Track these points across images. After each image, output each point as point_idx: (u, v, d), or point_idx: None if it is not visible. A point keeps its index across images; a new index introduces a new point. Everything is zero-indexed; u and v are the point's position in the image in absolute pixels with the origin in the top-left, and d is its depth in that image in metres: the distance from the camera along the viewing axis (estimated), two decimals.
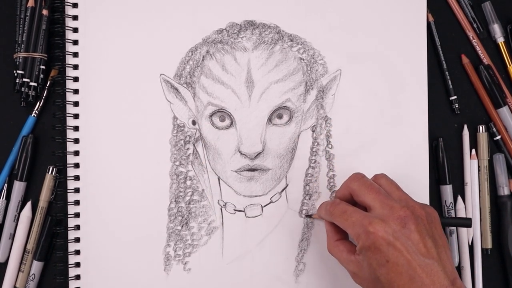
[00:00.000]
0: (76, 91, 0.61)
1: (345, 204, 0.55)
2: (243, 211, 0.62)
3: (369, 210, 0.53)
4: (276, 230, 0.62)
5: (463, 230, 0.64)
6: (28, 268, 0.62)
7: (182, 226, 0.62)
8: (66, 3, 0.61)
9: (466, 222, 0.59)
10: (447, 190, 0.64)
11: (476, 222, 0.64)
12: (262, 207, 0.62)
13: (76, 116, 0.61)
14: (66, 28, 0.61)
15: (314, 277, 0.62)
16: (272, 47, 0.62)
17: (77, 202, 0.61)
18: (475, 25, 0.66)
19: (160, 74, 0.62)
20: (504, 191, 0.65)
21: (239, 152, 0.61)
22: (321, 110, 0.63)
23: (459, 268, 0.64)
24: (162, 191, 0.61)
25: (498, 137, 0.65)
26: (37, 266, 0.61)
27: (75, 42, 0.61)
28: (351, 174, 0.57)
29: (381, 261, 0.50)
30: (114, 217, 0.61)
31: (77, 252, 0.61)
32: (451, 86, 0.65)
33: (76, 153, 0.61)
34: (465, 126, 0.65)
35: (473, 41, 0.65)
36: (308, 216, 0.62)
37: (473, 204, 0.64)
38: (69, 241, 0.61)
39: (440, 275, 0.49)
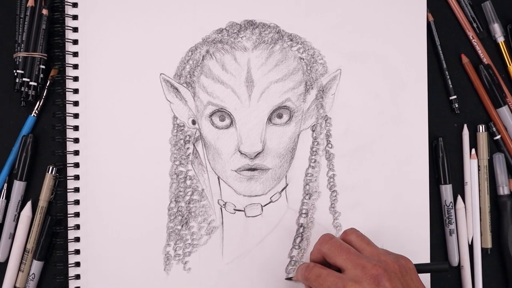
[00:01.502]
0: (76, 91, 0.61)
1: (319, 267, 0.55)
2: (243, 210, 0.62)
3: (342, 271, 0.53)
4: (276, 229, 0.62)
5: (463, 230, 0.64)
6: (28, 268, 0.62)
7: (182, 226, 0.62)
8: (66, 3, 0.62)
9: (443, 267, 0.58)
10: (447, 190, 0.64)
11: (476, 222, 0.64)
12: (262, 206, 0.62)
13: (76, 115, 0.61)
14: (66, 27, 0.61)
15: None
16: (272, 47, 0.62)
17: (77, 202, 0.61)
18: (475, 25, 0.66)
19: (160, 74, 0.62)
20: (504, 190, 0.65)
21: (239, 151, 0.61)
22: (321, 109, 0.63)
23: (459, 268, 0.64)
24: (162, 191, 0.61)
25: (498, 136, 0.65)
26: (37, 265, 0.61)
27: (75, 42, 0.61)
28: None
29: None
30: (114, 217, 0.61)
31: (77, 251, 0.61)
32: (451, 86, 0.65)
33: (76, 152, 0.61)
34: (465, 126, 0.65)
35: (473, 40, 0.65)
36: (288, 279, 0.62)
37: (473, 203, 0.64)
38: (69, 240, 0.61)
39: None
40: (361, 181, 0.63)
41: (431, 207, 0.63)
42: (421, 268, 0.57)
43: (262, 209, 0.62)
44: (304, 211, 0.62)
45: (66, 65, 0.61)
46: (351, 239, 0.57)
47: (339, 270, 0.54)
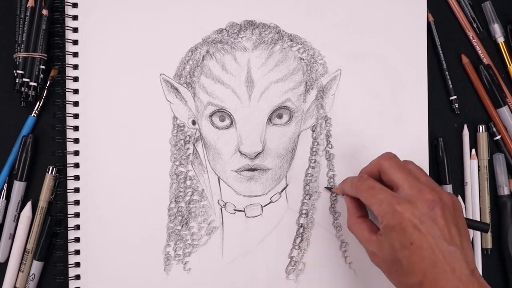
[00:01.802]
0: (76, 91, 0.61)
1: (373, 181, 0.54)
2: (243, 211, 0.62)
3: (397, 189, 0.52)
4: (276, 230, 0.62)
5: None
6: (28, 268, 0.62)
7: (182, 226, 0.62)
8: (66, 3, 0.61)
9: (484, 227, 0.58)
10: (447, 190, 0.64)
11: None
12: (262, 207, 0.62)
13: (76, 116, 0.61)
14: (66, 28, 0.61)
15: (314, 277, 0.62)
16: (272, 47, 0.62)
17: (77, 202, 0.61)
18: (475, 25, 0.66)
19: (160, 74, 0.62)
20: (504, 191, 0.65)
21: (239, 152, 0.61)
22: (321, 110, 0.63)
23: None
24: (162, 191, 0.61)
25: (498, 137, 0.65)
26: (37, 266, 0.61)
27: (75, 42, 0.61)
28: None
29: (404, 243, 0.49)
30: (114, 217, 0.61)
31: (77, 252, 0.61)
32: (451, 86, 0.65)
33: (76, 153, 0.61)
34: (465, 126, 0.65)
35: (473, 41, 0.65)
36: (328, 188, 0.61)
37: (473, 204, 0.64)
38: (69, 241, 0.61)
39: (461, 264, 0.48)
40: None
41: None
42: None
43: (262, 209, 0.62)
44: (304, 211, 0.62)
45: (66, 65, 0.61)
46: (409, 167, 0.55)
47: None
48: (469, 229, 0.53)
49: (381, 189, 0.53)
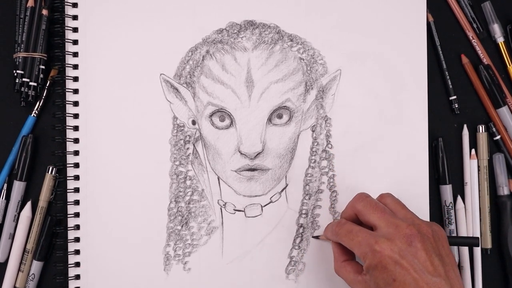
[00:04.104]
0: (76, 91, 0.61)
1: (351, 224, 0.55)
2: (243, 211, 0.62)
3: (375, 229, 0.53)
4: (276, 230, 0.62)
5: (463, 229, 0.64)
6: (28, 268, 0.62)
7: (182, 226, 0.62)
8: (66, 3, 0.61)
9: (474, 241, 0.58)
10: (447, 190, 0.64)
11: (476, 222, 0.64)
12: (262, 207, 0.62)
13: (76, 116, 0.61)
14: (66, 28, 0.61)
15: (314, 277, 0.62)
16: (272, 47, 0.62)
17: (77, 202, 0.61)
18: (475, 25, 0.66)
19: (160, 74, 0.62)
20: (504, 191, 0.65)
21: (239, 152, 0.61)
22: (321, 110, 0.63)
23: (459, 268, 0.64)
24: (162, 191, 0.61)
25: (498, 137, 0.65)
26: (37, 266, 0.61)
27: (75, 42, 0.61)
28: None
29: (388, 280, 0.50)
30: (114, 217, 0.61)
31: (77, 252, 0.61)
32: (451, 86, 0.65)
33: (76, 153, 0.61)
34: (465, 126, 0.65)
35: (473, 41, 0.65)
36: (315, 237, 0.62)
37: (472, 204, 0.64)
38: (69, 241, 0.61)
39: None
40: (361, 181, 0.63)
41: (431, 207, 0.63)
42: (452, 241, 0.57)
43: (262, 209, 0.62)
44: (304, 212, 0.62)
45: (66, 65, 0.61)
46: (386, 202, 0.56)
47: (370, 229, 0.54)
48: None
49: (359, 231, 0.53)
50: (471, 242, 0.59)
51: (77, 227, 0.61)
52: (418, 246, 0.50)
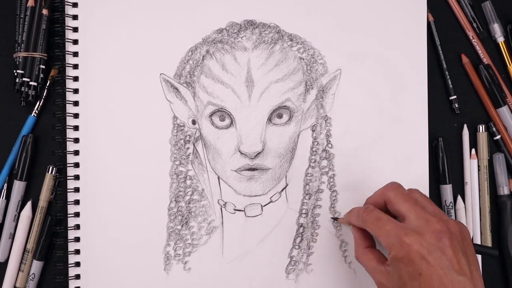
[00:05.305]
0: (76, 91, 0.61)
1: (379, 212, 0.54)
2: (243, 210, 0.62)
3: (403, 220, 0.52)
4: (276, 229, 0.62)
5: None
6: (28, 268, 0.62)
7: (182, 226, 0.62)
8: (66, 3, 0.62)
9: (492, 252, 0.57)
10: (447, 190, 0.64)
11: (476, 222, 0.64)
12: (262, 206, 0.62)
13: (76, 115, 0.61)
14: (66, 27, 0.61)
15: (314, 277, 0.62)
16: (272, 47, 0.62)
17: (77, 202, 0.61)
18: (475, 25, 0.66)
19: (160, 74, 0.62)
20: (504, 190, 0.65)
21: (239, 151, 0.61)
22: (321, 109, 0.63)
23: None
24: (162, 191, 0.61)
25: (498, 136, 0.65)
26: (37, 265, 0.61)
27: (75, 42, 0.61)
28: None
29: (413, 274, 0.49)
30: (114, 217, 0.61)
31: (77, 251, 0.61)
32: (451, 86, 0.65)
33: (76, 152, 0.61)
34: (465, 126, 0.65)
35: (473, 40, 0.65)
36: (335, 219, 0.62)
37: (473, 203, 0.64)
38: (69, 240, 0.61)
39: None
40: (361, 181, 0.63)
41: None
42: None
43: (262, 209, 0.62)
44: (304, 211, 0.62)
45: (66, 65, 0.61)
46: (415, 196, 0.55)
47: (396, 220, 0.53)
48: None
49: (388, 220, 0.52)
50: (489, 253, 0.57)
51: (77, 226, 0.61)
52: (446, 243, 0.49)
